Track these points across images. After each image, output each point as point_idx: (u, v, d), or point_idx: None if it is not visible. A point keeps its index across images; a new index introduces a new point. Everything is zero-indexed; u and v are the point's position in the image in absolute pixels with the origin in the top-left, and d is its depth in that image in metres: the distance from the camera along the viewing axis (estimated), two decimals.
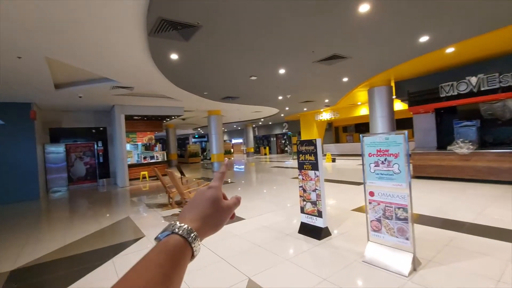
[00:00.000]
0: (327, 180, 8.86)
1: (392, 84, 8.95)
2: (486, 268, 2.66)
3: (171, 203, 6.37)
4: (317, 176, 3.73)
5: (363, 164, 3.09)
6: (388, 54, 5.87)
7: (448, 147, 7.12)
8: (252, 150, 27.44)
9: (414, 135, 8.98)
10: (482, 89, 6.54)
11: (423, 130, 8.59)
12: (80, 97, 8.26)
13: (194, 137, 35.52)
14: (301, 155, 3.95)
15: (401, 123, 15.74)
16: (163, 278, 0.35)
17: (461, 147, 6.77)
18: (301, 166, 3.97)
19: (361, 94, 11.23)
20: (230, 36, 4.39)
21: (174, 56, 5.05)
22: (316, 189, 3.77)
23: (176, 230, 0.42)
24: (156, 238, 0.43)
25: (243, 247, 3.67)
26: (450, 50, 5.80)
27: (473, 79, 6.62)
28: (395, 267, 2.71)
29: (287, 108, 14.60)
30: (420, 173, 7.75)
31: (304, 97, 11.28)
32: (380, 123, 8.89)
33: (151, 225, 5.16)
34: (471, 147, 6.66)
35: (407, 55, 6.00)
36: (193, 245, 0.42)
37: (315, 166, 3.75)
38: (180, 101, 10.20)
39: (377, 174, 2.94)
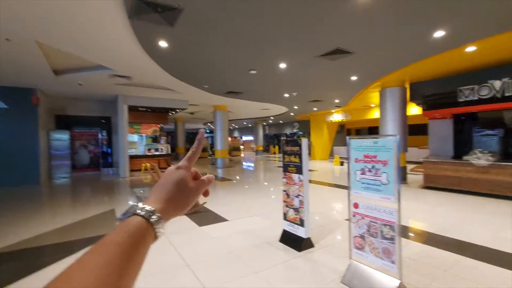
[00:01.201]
0: (327, 184, 8.35)
1: (407, 85, 8.29)
2: None
3: None
4: (301, 180, 3.32)
5: (348, 171, 2.66)
6: (398, 50, 5.30)
7: (465, 157, 6.45)
8: (261, 148, 27.06)
9: (429, 142, 8.30)
10: (507, 94, 5.82)
11: (438, 137, 7.90)
12: (80, 84, 8.20)
13: (206, 132, 35.54)
14: (286, 156, 3.55)
15: (417, 129, 14.83)
16: (122, 256, 0.34)
17: (479, 158, 6.09)
18: (285, 168, 3.57)
19: (375, 96, 10.56)
20: (217, 22, 4.03)
21: (163, 43, 4.76)
22: (299, 195, 3.36)
23: (138, 211, 0.41)
24: (117, 219, 0.33)
25: (214, 253, 3.33)
26: (470, 49, 5.16)
27: (497, 83, 5.91)
28: None
29: (295, 107, 14.10)
30: (432, 184, 7.11)
31: (312, 96, 10.75)
32: (390, 127, 8.25)
33: None
34: (491, 158, 5.97)
35: (420, 53, 5.41)
36: (155, 227, 0.41)
37: (299, 169, 3.34)
38: (182, 93, 9.99)
39: (363, 183, 2.50)
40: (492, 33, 4.42)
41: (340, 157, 14.99)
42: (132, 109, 11.58)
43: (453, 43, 4.84)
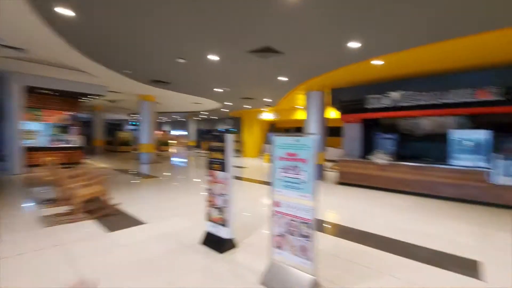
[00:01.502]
0: (257, 182, 8.52)
1: (327, 90, 9.08)
2: None
3: (62, 199, 5.11)
4: (226, 178, 3.18)
5: (271, 169, 2.64)
6: (321, 57, 5.71)
7: (369, 157, 7.44)
8: (194, 143, 26.13)
9: (343, 143, 9.30)
10: (400, 105, 6.97)
11: (351, 139, 8.90)
12: None
13: (131, 124, 32.16)
14: (210, 152, 3.35)
15: (336, 131, 16.58)
16: None
17: (380, 158, 7.11)
18: (210, 166, 3.37)
19: (301, 98, 11.28)
20: None
21: (66, 12, 3.90)
22: (223, 193, 3.21)
23: None
24: None
25: (123, 263, 2.89)
26: (378, 62, 5.93)
27: (394, 95, 7.01)
28: None
29: (228, 103, 13.99)
30: (345, 180, 7.98)
31: (244, 93, 10.81)
32: (313, 128, 8.95)
33: (15, 227, 3.92)
34: (388, 158, 7.05)
35: (339, 61, 5.94)
36: None
37: (224, 167, 3.19)
38: (99, 77, 8.65)
39: (285, 181, 2.51)
40: (395, 50, 5.14)
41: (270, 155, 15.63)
42: (32, 91, 9.46)
43: (365, 55, 5.46)
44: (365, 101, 7.64)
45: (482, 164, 5.78)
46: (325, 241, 3.59)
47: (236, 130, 24.46)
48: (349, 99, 8.19)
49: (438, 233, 4.08)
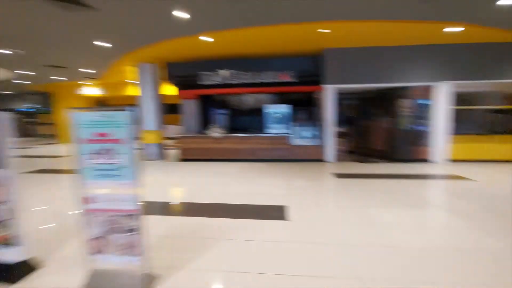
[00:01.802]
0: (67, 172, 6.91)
1: (163, 64, 8.49)
2: (219, 262, 2.60)
3: None
4: (4, 178, 2.19)
5: (76, 156, 2.04)
6: (147, 22, 5.08)
7: (206, 132, 7.84)
8: None
9: (182, 119, 9.21)
10: (229, 82, 7.69)
11: (189, 115, 8.95)
12: None
13: None
14: None
15: (175, 108, 16.23)
16: None
17: (215, 132, 7.65)
18: None
19: (132, 70, 9.93)
20: None
21: None
22: (3, 201, 2.22)
23: None
24: None
25: None
26: (208, 39, 6.06)
27: (222, 73, 7.62)
28: None
29: (26, 72, 10.14)
30: (187, 156, 8.02)
31: (48, 59, 8.12)
32: (147, 104, 8.22)
33: None
34: (222, 131, 7.71)
35: (169, 32, 5.56)
36: None
37: None
38: None
39: (98, 170, 2.02)
40: (221, 28, 5.38)
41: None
42: None
43: (194, 29, 5.39)
44: (199, 78, 7.77)
45: (285, 131, 7.53)
46: (166, 224, 3.41)
47: (48, 109, 18.55)
48: (185, 75, 8.05)
49: (260, 190, 4.93)
